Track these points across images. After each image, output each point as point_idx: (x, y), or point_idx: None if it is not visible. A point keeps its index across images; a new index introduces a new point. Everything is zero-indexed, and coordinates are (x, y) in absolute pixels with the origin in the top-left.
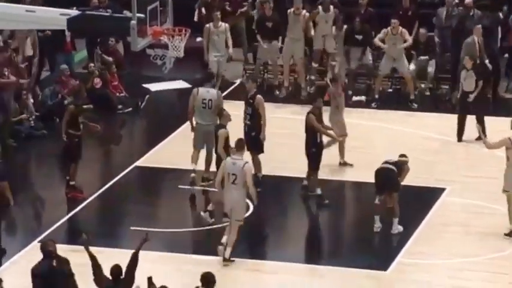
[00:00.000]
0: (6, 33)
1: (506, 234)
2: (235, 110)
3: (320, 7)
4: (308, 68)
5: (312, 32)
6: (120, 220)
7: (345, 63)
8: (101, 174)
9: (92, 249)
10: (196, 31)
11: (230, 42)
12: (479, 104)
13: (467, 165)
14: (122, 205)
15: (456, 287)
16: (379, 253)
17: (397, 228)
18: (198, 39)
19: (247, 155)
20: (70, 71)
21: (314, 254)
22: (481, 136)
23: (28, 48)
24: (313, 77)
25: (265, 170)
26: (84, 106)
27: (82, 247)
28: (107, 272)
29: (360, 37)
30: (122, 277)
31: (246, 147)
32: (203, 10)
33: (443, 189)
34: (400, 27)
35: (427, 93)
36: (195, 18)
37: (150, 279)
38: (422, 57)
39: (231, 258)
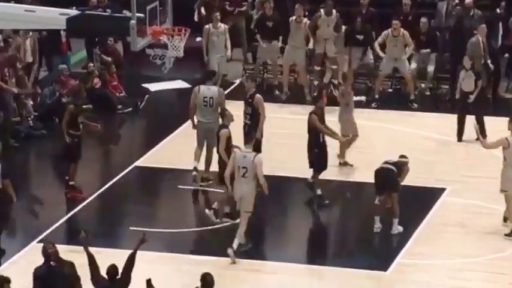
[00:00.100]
0: (6, 33)
1: (506, 235)
2: (236, 109)
3: (322, 10)
4: (309, 71)
5: (311, 45)
6: (120, 220)
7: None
8: (100, 174)
9: (91, 249)
10: (196, 31)
11: (229, 44)
12: (479, 104)
13: (467, 165)
14: (121, 205)
15: None
16: (379, 253)
17: (397, 228)
18: (198, 39)
19: None
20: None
21: (314, 254)
22: (478, 136)
23: (28, 54)
24: (316, 82)
25: (265, 170)
26: (84, 106)
27: (81, 247)
28: (104, 272)
29: (361, 37)
30: (118, 277)
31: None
32: (202, 10)
33: (443, 189)
34: (402, 29)
35: (427, 93)
36: (195, 19)
37: (149, 281)
38: (423, 51)
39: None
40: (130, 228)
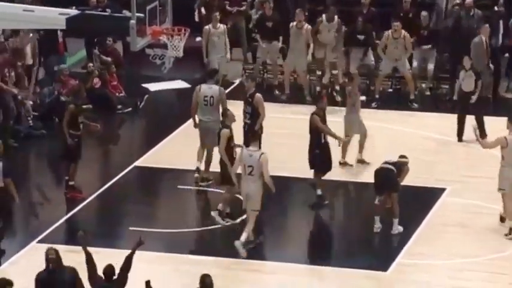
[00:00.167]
0: (6, 33)
1: (506, 235)
2: (235, 109)
3: (324, 16)
4: (310, 71)
5: (311, 50)
6: (119, 220)
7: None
8: (100, 174)
9: (90, 249)
10: (195, 31)
11: (228, 45)
12: (479, 104)
13: (467, 165)
14: (121, 205)
15: None
16: (379, 253)
17: (397, 228)
18: (198, 39)
19: None
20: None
21: (314, 255)
22: (477, 137)
23: (28, 57)
24: (318, 88)
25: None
26: (84, 106)
27: (81, 247)
28: (101, 272)
29: (361, 37)
30: (114, 277)
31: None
32: (203, 10)
33: (443, 189)
34: (403, 31)
35: (427, 92)
36: (196, 19)
37: (148, 283)
38: (425, 47)
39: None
40: (130, 228)
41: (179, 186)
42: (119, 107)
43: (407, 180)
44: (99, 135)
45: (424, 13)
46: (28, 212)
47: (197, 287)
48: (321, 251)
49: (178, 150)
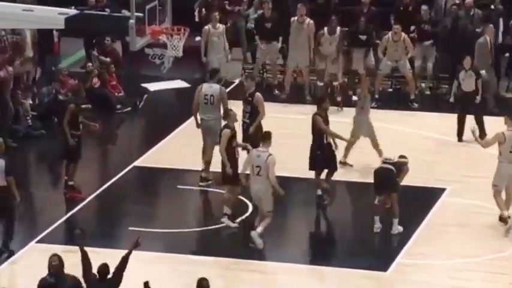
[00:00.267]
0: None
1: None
2: (235, 109)
3: (326, 29)
4: (311, 71)
5: (312, 45)
6: (119, 220)
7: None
8: (99, 174)
9: (90, 249)
10: (195, 30)
11: (227, 45)
12: (478, 104)
13: (467, 165)
14: (120, 205)
15: None
16: (379, 254)
17: (397, 228)
18: (197, 38)
19: (245, 155)
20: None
21: (314, 255)
22: (475, 138)
23: (28, 48)
24: (319, 83)
25: None
26: (83, 106)
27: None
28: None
29: (364, 37)
30: (109, 276)
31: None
32: (203, 10)
33: (443, 189)
34: (403, 34)
35: (427, 92)
36: (196, 19)
37: (146, 283)
38: (426, 43)
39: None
40: (129, 228)
41: (179, 186)
42: (118, 106)
43: (407, 180)
44: (98, 135)
45: (424, 7)
46: (27, 212)
47: None
48: (320, 251)
49: (178, 150)
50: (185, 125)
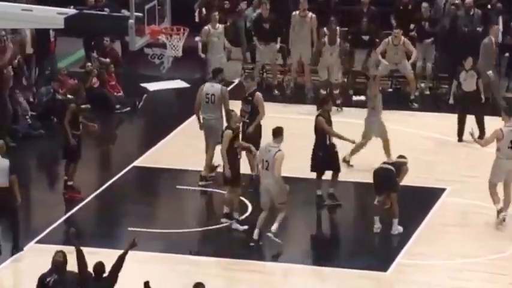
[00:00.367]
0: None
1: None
2: (235, 109)
3: (326, 39)
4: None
5: (315, 41)
6: (118, 221)
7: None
8: (98, 175)
9: (90, 250)
10: (195, 30)
11: (227, 42)
12: (479, 104)
13: (467, 165)
14: (119, 205)
15: None
16: (379, 254)
17: (397, 228)
18: (197, 38)
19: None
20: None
21: (313, 255)
22: (474, 139)
23: (28, 46)
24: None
25: None
26: (82, 106)
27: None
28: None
29: (366, 37)
30: (105, 275)
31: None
32: (203, 10)
33: (443, 189)
34: (403, 37)
35: (427, 92)
36: (196, 19)
37: (146, 283)
38: (426, 41)
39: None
40: (129, 228)
41: (178, 186)
42: (118, 106)
43: (407, 180)
44: (98, 135)
45: (425, 4)
46: (27, 212)
47: None
48: (320, 251)
49: (177, 150)
50: (185, 125)
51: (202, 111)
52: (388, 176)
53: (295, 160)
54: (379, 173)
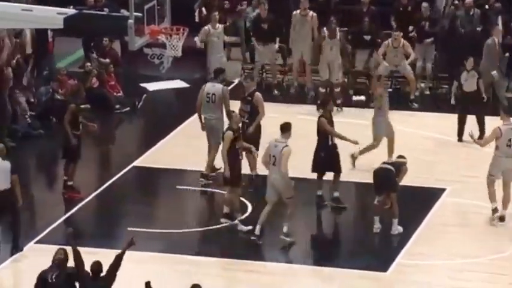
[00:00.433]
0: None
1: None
2: (235, 109)
3: (326, 33)
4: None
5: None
6: (118, 221)
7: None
8: (98, 175)
9: (90, 250)
10: (194, 30)
11: (227, 38)
12: (479, 104)
13: (467, 165)
14: (119, 205)
15: None
16: (378, 254)
17: (397, 228)
18: (196, 38)
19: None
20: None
21: (313, 255)
22: (473, 140)
23: (28, 46)
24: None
25: (265, 170)
26: (82, 106)
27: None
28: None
29: (368, 37)
30: (102, 274)
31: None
32: (203, 10)
33: (443, 189)
34: (402, 40)
35: (427, 92)
36: (196, 19)
37: (148, 284)
38: (427, 41)
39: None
40: (128, 228)
41: (178, 187)
42: (117, 106)
43: (407, 180)
44: (97, 135)
45: (424, 4)
46: (26, 212)
47: None
48: (320, 251)
49: (177, 150)
50: (184, 125)
51: (203, 111)
52: (388, 176)
53: (295, 160)
54: (378, 173)
